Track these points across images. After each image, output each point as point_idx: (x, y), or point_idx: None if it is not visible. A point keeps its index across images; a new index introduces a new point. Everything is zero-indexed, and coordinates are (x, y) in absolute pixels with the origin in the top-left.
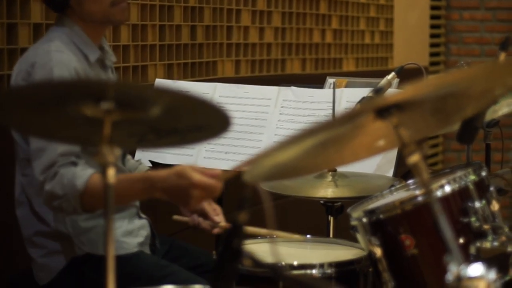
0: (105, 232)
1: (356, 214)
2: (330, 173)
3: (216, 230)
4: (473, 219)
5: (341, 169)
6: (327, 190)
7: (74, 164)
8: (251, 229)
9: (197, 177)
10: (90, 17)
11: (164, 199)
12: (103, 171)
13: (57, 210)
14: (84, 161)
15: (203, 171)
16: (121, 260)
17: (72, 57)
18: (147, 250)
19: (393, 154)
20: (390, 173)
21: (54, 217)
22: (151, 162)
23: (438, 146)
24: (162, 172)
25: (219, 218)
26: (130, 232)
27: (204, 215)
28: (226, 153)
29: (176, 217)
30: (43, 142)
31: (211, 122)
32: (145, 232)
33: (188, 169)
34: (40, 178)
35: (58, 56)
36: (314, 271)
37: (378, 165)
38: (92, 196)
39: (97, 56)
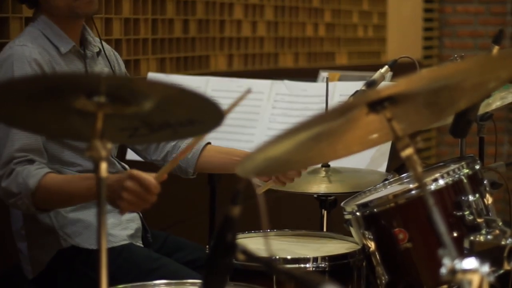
0: (98, 227)
1: (350, 208)
2: (323, 168)
3: (121, 212)
4: (466, 212)
5: (334, 164)
6: (320, 186)
7: (31, 162)
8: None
9: (136, 171)
10: (57, 11)
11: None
12: (95, 165)
13: (14, 207)
14: (45, 161)
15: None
16: (111, 252)
17: (35, 50)
18: (139, 243)
19: (386, 147)
20: (383, 166)
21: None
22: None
23: (431, 139)
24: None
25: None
26: (118, 224)
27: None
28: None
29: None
30: (3, 136)
31: (204, 116)
32: (135, 225)
33: (135, 169)
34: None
35: (19, 50)
36: (307, 265)
37: (372, 158)
38: (43, 195)
39: (70, 47)
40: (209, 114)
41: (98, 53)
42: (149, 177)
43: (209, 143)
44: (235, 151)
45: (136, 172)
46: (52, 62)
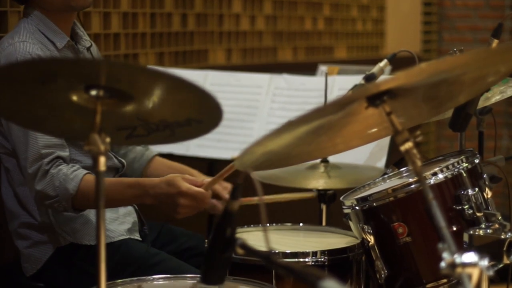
0: (96, 222)
1: (349, 202)
2: (322, 164)
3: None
4: (466, 206)
5: (333, 159)
6: (319, 181)
7: (62, 160)
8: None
9: (186, 185)
10: (51, 6)
11: (154, 206)
12: (94, 159)
13: (48, 208)
14: (69, 152)
15: (192, 181)
16: (109, 247)
17: (35, 45)
18: (137, 236)
19: (385, 142)
20: (382, 161)
21: (36, 207)
22: None
23: (430, 133)
24: (154, 180)
25: None
26: (115, 219)
27: (217, 196)
28: (218, 141)
29: None
30: (22, 135)
31: (202, 115)
32: (131, 218)
33: (178, 178)
34: (29, 171)
35: (22, 47)
36: (307, 259)
37: (371, 153)
38: (83, 198)
39: (65, 42)
40: (208, 112)
41: (88, 48)
42: (200, 190)
43: (157, 155)
44: (179, 166)
45: (186, 187)
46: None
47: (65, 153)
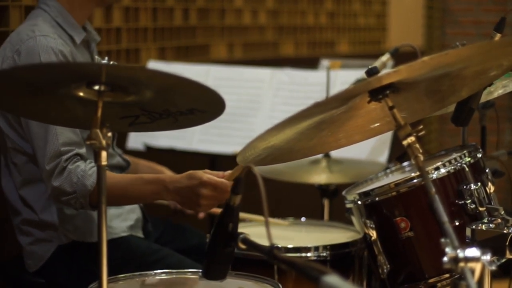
0: (98, 216)
1: (351, 197)
2: (324, 158)
3: (201, 215)
4: (468, 201)
5: (335, 154)
6: (321, 176)
7: (80, 157)
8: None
9: (207, 176)
10: None
11: (174, 204)
12: (96, 153)
13: (64, 205)
14: (85, 151)
15: (213, 173)
16: (111, 244)
17: (58, 40)
18: (139, 234)
19: (387, 136)
20: (384, 155)
21: (40, 206)
22: (147, 146)
23: (433, 128)
24: (174, 175)
25: None
26: (118, 216)
27: None
28: (220, 135)
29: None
30: (42, 131)
31: (205, 106)
32: (135, 215)
33: (199, 171)
34: (47, 168)
35: (44, 41)
36: (309, 254)
37: (373, 147)
38: None
39: (83, 37)
40: (210, 104)
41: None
42: (221, 180)
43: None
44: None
45: (207, 177)
46: (73, 53)
47: (83, 150)
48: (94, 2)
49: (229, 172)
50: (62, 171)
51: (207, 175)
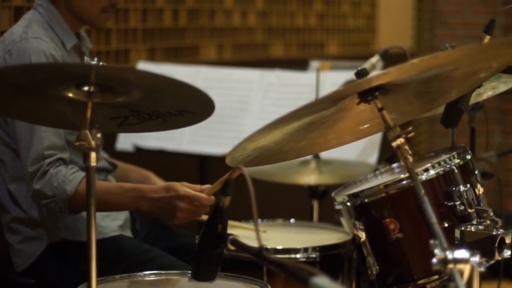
0: (87, 218)
1: (341, 198)
2: (314, 159)
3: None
4: (457, 203)
5: (325, 155)
6: (310, 177)
7: (62, 161)
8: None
9: (184, 189)
10: (79, 13)
11: (152, 215)
12: (84, 155)
13: (44, 208)
14: (69, 153)
15: (191, 186)
16: (101, 244)
17: (50, 44)
18: (128, 233)
19: (377, 137)
20: (374, 157)
21: (29, 203)
22: (136, 147)
23: (422, 129)
24: (152, 186)
25: None
26: (107, 215)
27: None
28: (210, 136)
29: None
30: (26, 131)
31: (194, 107)
32: (123, 215)
33: (177, 184)
34: (30, 170)
35: (36, 44)
36: (298, 255)
37: (363, 149)
38: (81, 200)
39: (74, 43)
40: (200, 105)
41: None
42: (199, 194)
43: None
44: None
45: (184, 190)
46: (64, 58)
47: (66, 155)
48: (86, 22)
49: (208, 186)
50: (43, 174)
51: (184, 188)
